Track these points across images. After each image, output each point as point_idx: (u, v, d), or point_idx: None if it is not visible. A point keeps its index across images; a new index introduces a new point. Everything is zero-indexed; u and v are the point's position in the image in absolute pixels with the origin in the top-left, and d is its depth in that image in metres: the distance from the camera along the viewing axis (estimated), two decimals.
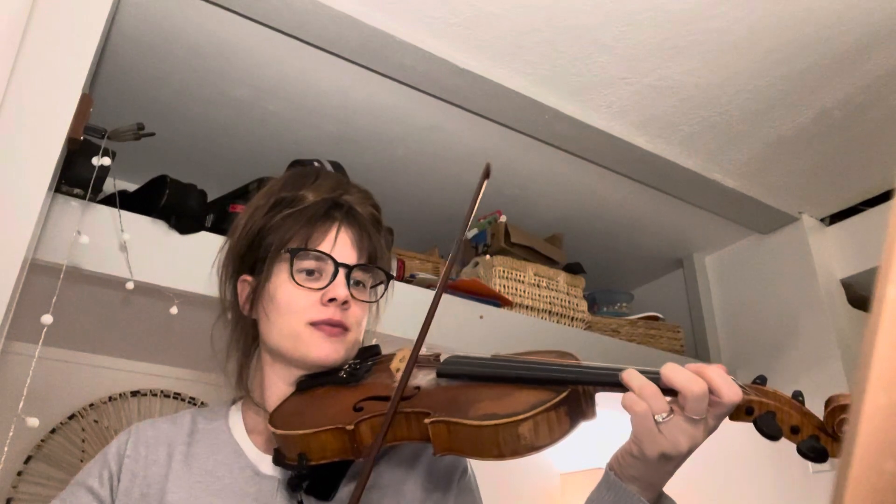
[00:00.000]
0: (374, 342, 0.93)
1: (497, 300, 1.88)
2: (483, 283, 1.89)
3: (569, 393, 0.66)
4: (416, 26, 1.51)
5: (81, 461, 1.99)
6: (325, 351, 0.82)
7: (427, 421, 0.68)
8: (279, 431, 0.75)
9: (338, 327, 0.83)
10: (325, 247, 0.84)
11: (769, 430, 0.61)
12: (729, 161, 1.97)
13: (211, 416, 0.90)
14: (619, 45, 1.56)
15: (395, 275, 0.94)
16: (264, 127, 1.83)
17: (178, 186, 1.47)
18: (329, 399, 0.79)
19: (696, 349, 2.34)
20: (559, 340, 1.94)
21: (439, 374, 0.77)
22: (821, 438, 0.60)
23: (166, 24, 1.50)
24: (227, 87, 1.69)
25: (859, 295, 2.15)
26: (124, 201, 1.36)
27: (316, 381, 0.84)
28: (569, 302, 2.07)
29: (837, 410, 0.60)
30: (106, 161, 1.27)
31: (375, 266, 0.89)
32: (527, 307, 1.97)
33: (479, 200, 0.77)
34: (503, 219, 2.11)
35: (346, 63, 1.59)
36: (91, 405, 2.06)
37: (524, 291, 1.99)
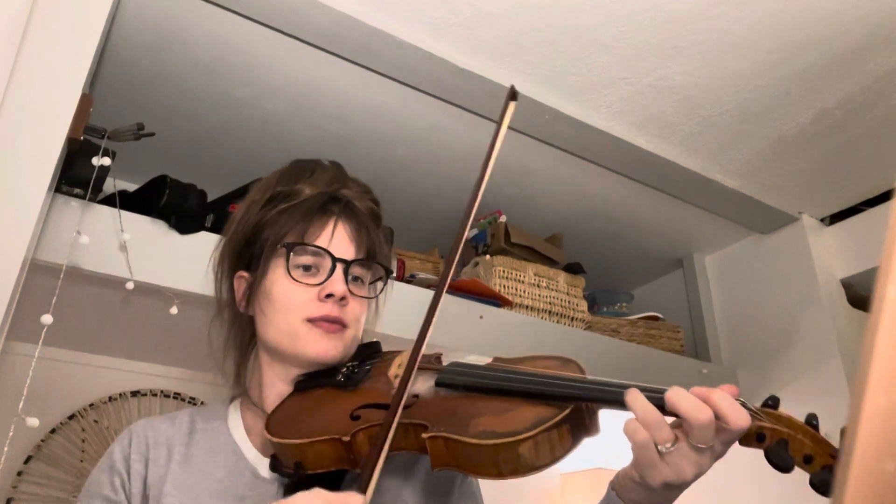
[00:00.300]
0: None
1: (497, 300, 1.88)
2: (483, 283, 1.89)
3: (571, 409, 0.64)
4: (416, 26, 1.51)
5: (81, 461, 1.99)
6: (323, 348, 0.80)
7: (425, 436, 0.66)
8: (275, 440, 0.74)
9: (336, 324, 0.81)
10: (322, 241, 0.82)
11: (781, 461, 0.58)
12: (729, 161, 1.97)
13: (210, 416, 0.88)
14: (619, 45, 1.56)
15: (395, 273, 0.92)
16: (264, 127, 1.83)
17: (178, 186, 1.47)
18: (326, 404, 0.78)
19: (696, 349, 2.34)
20: (559, 340, 1.93)
21: (438, 384, 0.75)
22: (835, 469, 0.57)
23: (166, 24, 1.50)
24: (227, 87, 1.69)
25: (859, 295, 2.15)
26: (124, 201, 1.36)
27: (313, 381, 0.82)
28: (569, 302, 2.07)
29: None
30: (106, 161, 1.26)
31: (374, 261, 0.87)
32: (527, 307, 1.97)
33: (503, 130, 0.73)
34: (503, 219, 2.11)
35: (346, 63, 1.59)
36: (91, 405, 2.06)
37: (524, 291, 1.99)
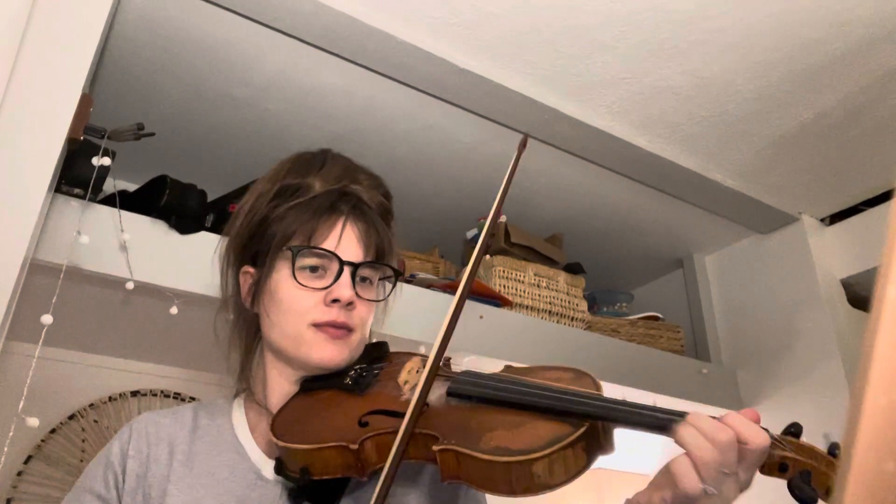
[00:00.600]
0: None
1: (497, 300, 1.88)
2: (483, 283, 1.89)
3: (587, 428, 0.62)
4: (416, 26, 1.51)
5: (81, 461, 1.99)
6: (329, 354, 0.78)
7: (436, 448, 0.65)
8: (281, 443, 0.73)
9: (342, 329, 0.79)
10: (329, 243, 0.79)
11: (804, 494, 0.57)
12: (729, 161, 1.97)
13: (214, 412, 0.87)
14: (619, 45, 1.56)
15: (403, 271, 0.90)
16: (264, 127, 1.83)
17: (178, 186, 1.47)
18: (333, 408, 0.76)
19: (696, 349, 2.34)
20: (559, 340, 1.93)
21: (450, 394, 0.73)
22: None
23: (166, 23, 1.50)
24: (227, 87, 1.69)
25: (859, 295, 2.15)
26: (124, 201, 1.36)
27: (320, 383, 0.81)
28: (569, 302, 2.07)
29: None
30: (106, 161, 1.26)
31: (382, 263, 0.84)
32: (527, 307, 1.97)
33: (514, 174, 0.71)
34: (503, 219, 2.11)
35: (346, 63, 1.59)
36: (91, 405, 2.06)
37: (524, 291, 1.99)
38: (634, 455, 2.36)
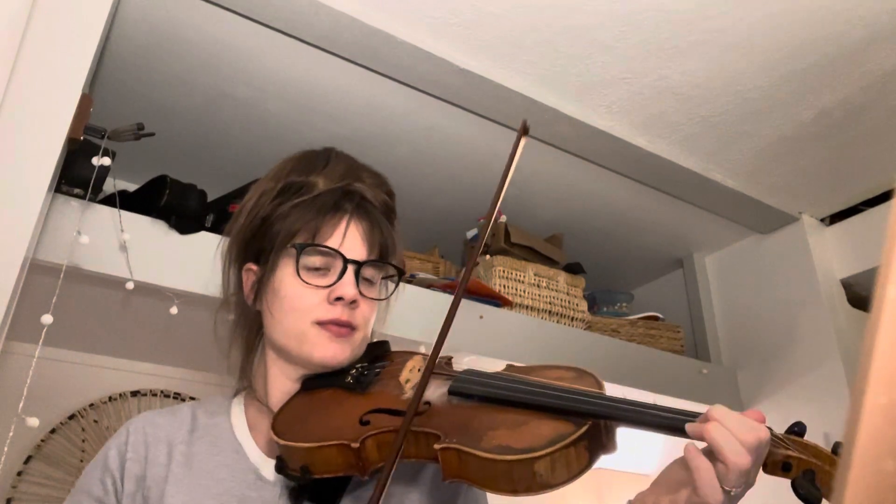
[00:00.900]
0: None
1: (497, 300, 1.88)
2: (483, 283, 1.88)
3: (590, 427, 0.62)
4: (416, 26, 1.51)
5: (81, 461, 1.99)
6: (331, 352, 0.78)
7: (437, 446, 0.64)
8: (282, 441, 0.73)
9: (345, 327, 0.79)
10: (333, 241, 0.79)
11: (808, 493, 0.57)
12: (729, 161, 1.97)
13: (213, 411, 0.86)
14: (619, 45, 1.56)
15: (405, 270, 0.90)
16: (264, 127, 1.83)
17: (178, 186, 1.47)
18: (334, 407, 0.76)
19: (696, 349, 2.34)
20: (559, 340, 1.93)
21: (452, 392, 0.72)
22: None
23: (166, 23, 1.50)
24: (227, 87, 1.69)
25: (859, 295, 2.15)
26: (124, 201, 1.36)
27: (321, 381, 0.81)
28: (569, 302, 2.07)
29: None
30: (106, 161, 1.26)
31: (386, 262, 0.84)
32: (527, 307, 1.97)
33: (514, 163, 0.70)
34: (503, 219, 2.11)
35: (346, 63, 1.59)
36: (91, 405, 2.06)
37: (524, 291, 1.99)
38: (635, 455, 2.36)
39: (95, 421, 2.06)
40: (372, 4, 1.46)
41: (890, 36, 1.53)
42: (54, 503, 1.92)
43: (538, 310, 1.99)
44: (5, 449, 1.21)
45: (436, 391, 0.74)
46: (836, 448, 0.59)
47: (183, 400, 2.19)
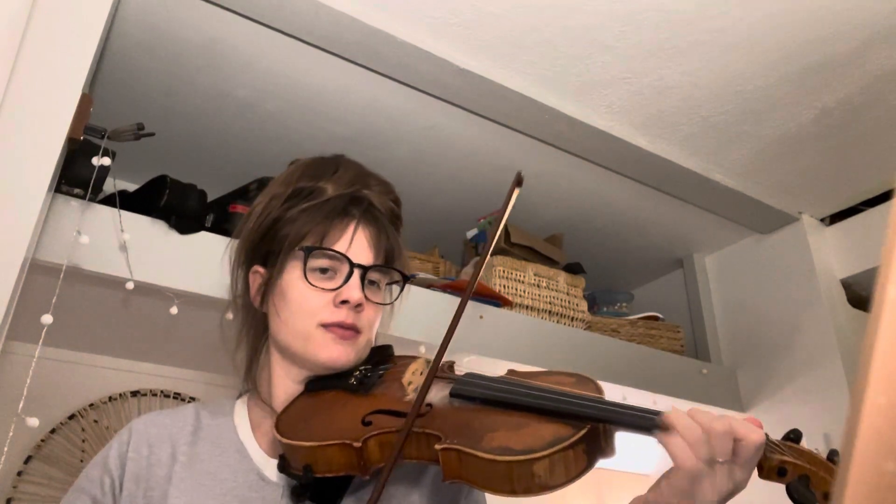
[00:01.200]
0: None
1: (497, 300, 1.88)
2: (483, 283, 1.89)
3: (588, 430, 0.63)
4: (416, 26, 1.51)
5: (81, 461, 1.99)
6: (336, 353, 0.80)
7: (438, 447, 0.65)
8: (285, 440, 0.73)
9: (350, 330, 0.80)
10: (341, 245, 0.81)
11: (802, 498, 0.58)
12: (729, 161, 1.97)
13: (216, 411, 0.87)
14: (619, 45, 1.56)
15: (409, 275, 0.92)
16: (264, 127, 1.83)
17: (178, 186, 1.47)
18: (337, 408, 0.77)
19: (696, 349, 2.34)
20: (559, 340, 1.93)
21: (453, 395, 0.74)
22: None
23: (166, 23, 1.50)
24: (227, 87, 1.69)
25: (859, 295, 2.15)
26: (124, 201, 1.36)
27: (325, 383, 0.82)
28: (569, 302, 2.07)
29: None
30: (106, 161, 1.26)
31: (392, 267, 0.86)
32: (527, 307, 1.97)
33: (508, 211, 0.74)
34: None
35: (346, 63, 1.59)
36: (91, 405, 2.06)
37: (524, 291, 1.99)
38: (635, 456, 2.36)
39: (95, 421, 2.06)
40: (372, 4, 1.46)
41: (890, 36, 1.53)
42: (54, 503, 1.92)
43: (538, 310, 1.99)
44: (5, 449, 1.21)
45: (437, 394, 0.75)
46: (832, 455, 0.61)
47: (183, 400, 2.19)
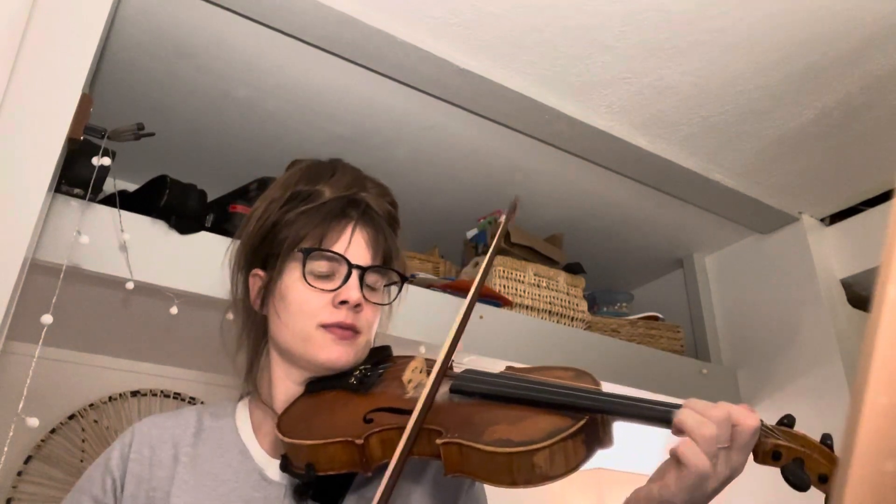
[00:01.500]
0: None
1: (497, 300, 1.88)
2: (483, 283, 1.88)
3: (587, 421, 0.64)
4: (416, 26, 1.51)
5: (81, 461, 1.99)
6: (336, 354, 0.80)
7: (439, 441, 0.66)
8: (287, 439, 0.74)
9: (349, 330, 0.81)
10: (339, 247, 0.82)
11: (797, 479, 0.59)
12: (729, 161, 1.97)
13: (218, 413, 0.88)
14: (619, 45, 1.56)
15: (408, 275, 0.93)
16: (264, 127, 1.83)
17: (178, 186, 1.47)
18: (339, 407, 0.78)
19: (696, 349, 2.34)
20: (559, 340, 1.93)
21: (453, 391, 0.75)
22: None
23: (166, 23, 1.50)
24: (227, 87, 1.69)
25: (859, 295, 2.15)
26: (124, 201, 1.36)
27: (325, 383, 0.82)
28: (569, 302, 2.07)
29: None
30: (106, 161, 1.26)
31: (390, 268, 0.87)
32: (527, 307, 1.97)
33: (499, 235, 0.77)
34: (503, 219, 2.10)
35: (346, 63, 1.59)
36: (91, 405, 2.06)
37: (524, 291, 1.99)
38: (634, 455, 2.36)
39: (95, 421, 2.06)
40: (372, 4, 1.46)
41: (890, 36, 1.53)
42: (54, 503, 1.92)
43: (538, 310, 1.99)
44: (5, 449, 1.21)
45: (438, 390, 0.75)
46: (825, 439, 0.62)
47: (183, 400, 2.19)
